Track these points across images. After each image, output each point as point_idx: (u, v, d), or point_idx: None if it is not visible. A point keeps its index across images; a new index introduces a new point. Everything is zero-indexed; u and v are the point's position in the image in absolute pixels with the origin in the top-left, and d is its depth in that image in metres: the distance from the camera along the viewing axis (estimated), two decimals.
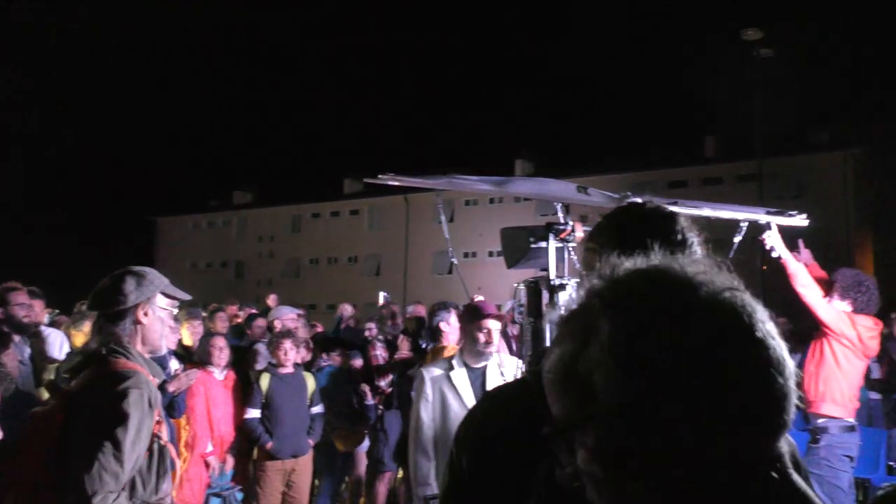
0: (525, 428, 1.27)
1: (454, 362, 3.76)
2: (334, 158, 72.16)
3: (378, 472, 6.30)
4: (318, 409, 5.59)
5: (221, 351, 5.45)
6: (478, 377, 3.72)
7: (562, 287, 3.11)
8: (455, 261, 3.81)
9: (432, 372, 3.77)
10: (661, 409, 0.68)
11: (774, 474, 0.70)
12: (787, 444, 0.72)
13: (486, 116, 75.97)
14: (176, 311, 2.64)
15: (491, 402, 1.53)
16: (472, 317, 3.78)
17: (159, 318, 2.50)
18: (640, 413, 0.69)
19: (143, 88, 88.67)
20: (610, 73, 79.28)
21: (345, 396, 6.10)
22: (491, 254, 35.99)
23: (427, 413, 3.67)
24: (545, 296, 3.15)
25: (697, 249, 1.44)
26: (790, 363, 0.71)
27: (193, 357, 5.60)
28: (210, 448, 5.28)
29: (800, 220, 3.54)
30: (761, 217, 3.56)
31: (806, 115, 35.21)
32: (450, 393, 3.66)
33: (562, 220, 3.27)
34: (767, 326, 0.71)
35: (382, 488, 6.40)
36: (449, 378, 3.70)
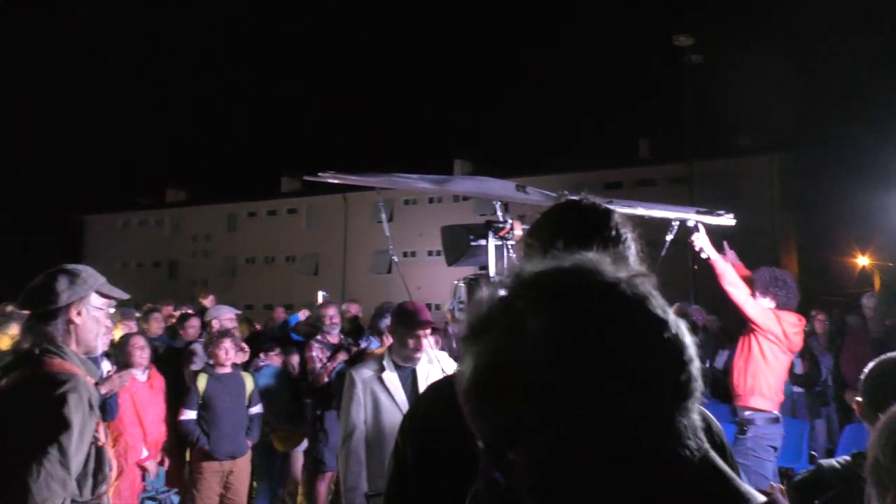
0: (464, 425, 1.30)
1: (384, 363, 3.72)
2: (271, 156, 71.08)
3: (318, 472, 6.25)
4: (256, 409, 5.51)
5: (143, 350, 5.23)
6: (408, 377, 3.71)
7: None
8: (396, 259, 3.81)
9: (363, 373, 3.71)
10: (616, 405, 0.69)
11: (692, 448, 0.73)
12: (702, 419, 0.76)
13: (426, 116, 76.14)
14: (112, 310, 2.58)
15: (432, 398, 1.55)
16: (405, 323, 3.73)
17: (94, 318, 2.43)
18: (591, 411, 0.69)
19: (71, 81, 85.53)
20: (548, 75, 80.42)
21: (284, 396, 6.03)
22: (430, 253, 36.07)
23: (359, 415, 3.62)
24: None
25: (632, 245, 1.49)
26: (690, 338, 0.75)
27: (110, 359, 5.38)
28: (145, 453, 5.13)
29: (727, 220, 3.69)
30: (692, 216, 3.70)
31: (734, 120, 36.46)
32: (382, 394, 3.63)
33: (501, 219, 3.33)
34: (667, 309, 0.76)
35: (323, 488, 6.36)
36: (380, 379, 3.67)
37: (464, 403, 0.76)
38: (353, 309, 7.66)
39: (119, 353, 5.30)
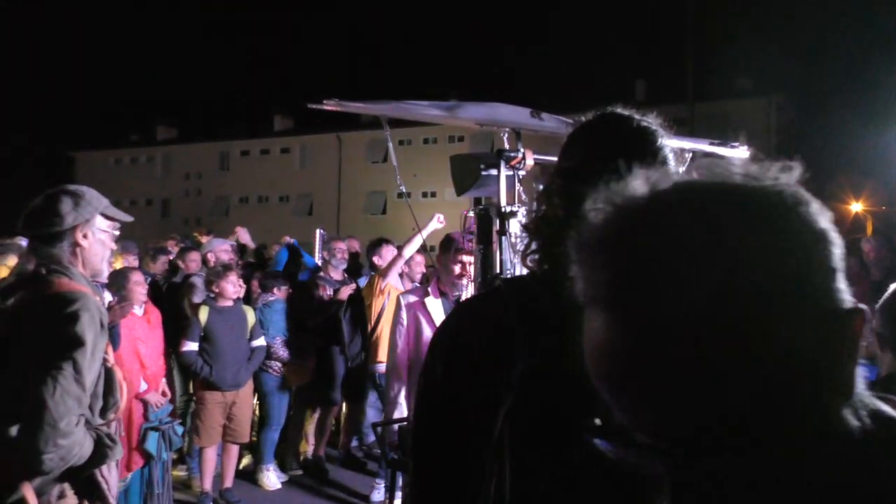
0: (490, 350, 1.26)
1: (429, 289, 3.94)
2: (264, 94, 69.84)
3: (323, 406, 6.30)
4: (258, 342, 5.52)
5: (142, 287, 5.10)
6: (452, 305, 3.85)
7: (512, 214, 3.11)
8: (403, 187, 3.78)
9: (408, 298, 3.96)
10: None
11: None
12: None
13: (421, 57, 74.75)
14: (117, 233, 2.51)
15: (462, 317, 1.50)
16: (448, 249, 3.93)
17: (100, 241, 2.37)
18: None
19: (58, 14, 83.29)
20: (544, 15, 78.79)
21: (292, 331, 6.00)
22: (425, 195, 35.88)
23: (402, 338, 3.86)
24: (496, 223, 3.15)
25: (670, 156, 1.42)
26: None
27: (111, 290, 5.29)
28: (144, 387, 5.08)
29: (742, 151, 3.63)
30: (705, 147, 3.62)
31: (732, 62, 35.96)
32: (424, 318, 3.83)
33: (510, 149, 3.25)
34: None
35: (328, 422, 6.42)
36: (424, 304, 3.87)
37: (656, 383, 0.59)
38: (355, 245, 7.66)
39: (118, 287, 5.20)
